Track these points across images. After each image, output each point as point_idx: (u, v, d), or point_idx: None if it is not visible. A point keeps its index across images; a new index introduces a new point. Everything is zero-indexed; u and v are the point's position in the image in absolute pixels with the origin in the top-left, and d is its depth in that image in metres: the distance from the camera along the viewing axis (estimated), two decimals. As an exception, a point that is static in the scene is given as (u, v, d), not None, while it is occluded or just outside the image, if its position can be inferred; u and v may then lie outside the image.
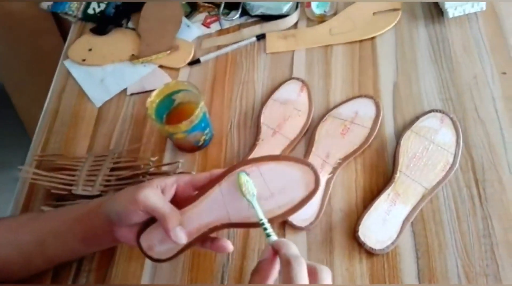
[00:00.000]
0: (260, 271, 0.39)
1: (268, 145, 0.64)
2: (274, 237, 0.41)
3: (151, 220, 0.47)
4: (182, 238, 0.45)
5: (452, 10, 0.69)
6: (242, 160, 0.49)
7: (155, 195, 0.45)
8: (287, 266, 0.37)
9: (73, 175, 0.64)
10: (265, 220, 0.43)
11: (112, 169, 0.64)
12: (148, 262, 0.58)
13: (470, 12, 0.70)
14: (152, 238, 0.47)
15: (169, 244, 0.46)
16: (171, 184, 0.47)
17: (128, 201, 0.45)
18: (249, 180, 0.45)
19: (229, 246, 0.48)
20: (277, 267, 0.40)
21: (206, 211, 0.46)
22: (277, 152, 0.63)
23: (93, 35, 0.82)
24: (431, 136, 0.59)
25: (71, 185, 0.63)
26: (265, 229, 0.42)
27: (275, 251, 0.40)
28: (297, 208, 0.44)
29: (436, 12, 0.72)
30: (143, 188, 0.45)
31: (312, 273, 0.38)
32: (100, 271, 0.58)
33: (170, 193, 0.47)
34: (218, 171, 0.47)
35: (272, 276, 0.39)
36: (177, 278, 0.56)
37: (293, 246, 0.39)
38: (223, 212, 0.46)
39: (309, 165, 0.45)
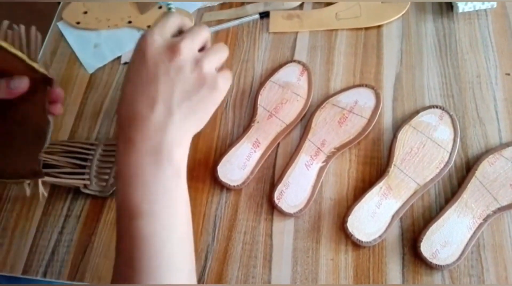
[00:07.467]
0: None
1: (263, 128, 0.62)
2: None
3: None
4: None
5: (462, 5, 0.67)
6: None
7: None
8: None
9: (84, 167, 0.60)
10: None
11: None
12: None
13: (481, 9, 0.68)
14: None
15: None
16: None
17: None
18: None
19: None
20: None
21: None
22: (271, 135, 0.61)
23: (90, -3, 0.79)
24: (429, 132, 0.58)
25: (82, 174, 0.60)
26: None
27: None
28: None
29: (446, 5, 0.70)
30: None
31: None
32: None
33: None
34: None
35: None
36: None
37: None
38: None
39: None
